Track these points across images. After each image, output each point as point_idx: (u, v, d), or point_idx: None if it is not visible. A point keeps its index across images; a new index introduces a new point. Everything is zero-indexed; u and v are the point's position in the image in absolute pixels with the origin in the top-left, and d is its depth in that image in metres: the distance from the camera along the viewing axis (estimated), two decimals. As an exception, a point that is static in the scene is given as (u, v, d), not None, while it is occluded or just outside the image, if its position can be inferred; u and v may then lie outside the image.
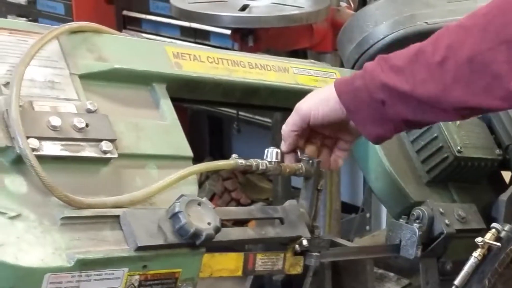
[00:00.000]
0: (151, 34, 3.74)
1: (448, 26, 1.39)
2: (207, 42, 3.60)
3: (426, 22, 1.82)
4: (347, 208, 3.81)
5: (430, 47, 1.39)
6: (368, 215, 3.89)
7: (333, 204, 3.07)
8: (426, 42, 1.40)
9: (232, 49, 2.86)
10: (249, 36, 2.56)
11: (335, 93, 1.46)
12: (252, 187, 4.12)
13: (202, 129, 4.47)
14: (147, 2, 3.84)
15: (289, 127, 1.51)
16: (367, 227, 3.89)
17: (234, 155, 1.43)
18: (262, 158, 1.46)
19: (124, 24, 3.96)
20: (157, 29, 3.86)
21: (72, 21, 3.80)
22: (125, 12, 3.96)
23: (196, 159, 1.45)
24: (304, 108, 1.50)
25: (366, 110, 1.43)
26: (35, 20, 4.01)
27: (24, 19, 3.99)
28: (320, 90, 1.54)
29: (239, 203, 4.04)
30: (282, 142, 1.53)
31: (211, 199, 3.73)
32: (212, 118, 4.45)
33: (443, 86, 1.36)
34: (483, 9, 1.35)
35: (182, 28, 3.73)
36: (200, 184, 3.95)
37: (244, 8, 2.58)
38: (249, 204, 4.00)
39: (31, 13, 4.11)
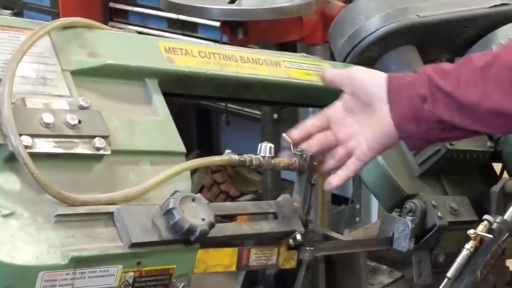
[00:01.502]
0: (138, 27, 3.72)
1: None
2: (195, 34, 3.59)
3: (418, 15, 1.82)
4: (337, 199, 3.81)
5: (478, 55, 1.45)
6: (357, 206, 3.90)
7: (324, 197, 3.08)
8: (479, 53, 1.47)
9: (220, 41, 2.85)
10: (239, 29, 2.54)
11: (387, 77, 1.50)
12: (241, 180, 4.11)
13: (190, 121, 4.45)
14: (134, -6, 3.83)
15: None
16: (357, 219, 3.90)
17: (227, 151, 1.43)
18: (252, 151, 1.46)
19: (111, 16, 3.95)
20: (144, 21, 3.84)
21: (58, 13, 3.83)
22: (111, 4, 3.95)
23: (184, 152, 1.44)
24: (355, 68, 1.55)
25: (407, 103, 1.46)
26: (21, 13, 4.00)
27: (10, 11, 3.97)
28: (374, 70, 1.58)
29: (228, 196, 4.03)
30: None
31: (200, 192, 3.71)
32: (201, 110, 4.43)
33: (483, 90, 1.40)
34: None
35: (170, 20, 3.72)
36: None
37: (233, 0, 2.56)
38: (239, 197, 4.00)
39: (16, 5, 4.09)
